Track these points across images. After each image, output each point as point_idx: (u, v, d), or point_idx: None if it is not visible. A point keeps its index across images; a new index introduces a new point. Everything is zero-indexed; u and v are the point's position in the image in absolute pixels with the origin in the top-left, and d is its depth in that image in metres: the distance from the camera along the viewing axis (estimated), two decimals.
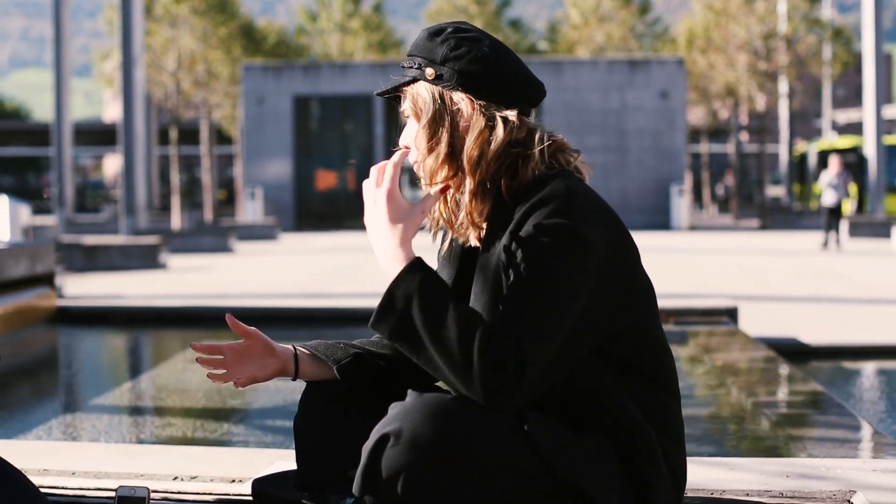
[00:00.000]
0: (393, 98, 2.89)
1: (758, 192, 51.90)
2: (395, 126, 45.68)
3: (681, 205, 39.37)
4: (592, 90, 41.74)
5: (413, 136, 2.81)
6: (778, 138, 66.16)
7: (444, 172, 2.74)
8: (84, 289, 14.94)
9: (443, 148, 2.73)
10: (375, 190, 2.73)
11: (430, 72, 2.74)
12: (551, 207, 2.59)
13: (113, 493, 3.36)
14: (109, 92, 56.57)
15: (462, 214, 2.78)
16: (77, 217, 39.45)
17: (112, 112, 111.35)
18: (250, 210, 40.89)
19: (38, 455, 3.97)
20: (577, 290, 2.55)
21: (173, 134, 44.59)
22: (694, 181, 60.47)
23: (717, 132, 61.90)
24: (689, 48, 46.51)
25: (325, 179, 44.17)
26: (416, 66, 2.78)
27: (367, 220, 2.74)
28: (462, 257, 2.90)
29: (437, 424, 2.47)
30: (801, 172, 55.25)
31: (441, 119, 2.74)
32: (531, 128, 2.76)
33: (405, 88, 2.81)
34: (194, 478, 3.70)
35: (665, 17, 65.00)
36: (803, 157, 55.26)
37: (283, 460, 3.78)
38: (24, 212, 24.89)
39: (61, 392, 7.40)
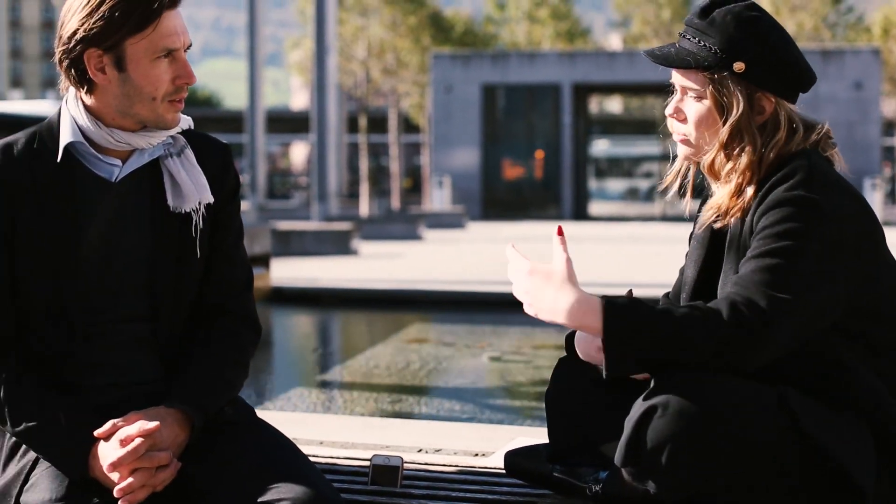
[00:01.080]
0: (660, 63, 2.90)
1: None
2: (581, 116, 45.63)
3: (874, 199, 38.46)
4: None
5: (699, 116, 2.83)
6: None
7: (746, 174, 2.77)
8: (280, 272, 15.29)
9: (751, 151, 2.76)
10: (519, 278, 2.76)
11: (739, 66, 2.76)
12: (793, 181, 2.67)
13: (364, 462, 3.51)
14: (297, 80, 57.60)
15: (737, 206, 2.80)
16: (268, 203, 40.27)
17: (299, 100, 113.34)
18: (437, 198, 41.23)
19: (285, 425, 4.13)
20: (816, 258, 2.61)
21: (362, 122, 45.27)
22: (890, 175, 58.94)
23: None
24: (884, 37, 45.35)
25: (512, 169, 44.30)
26: (716, 51, 2.77)
27: (534, 306, 2.74)
28: (711, 236, 2.94)
29: (703, 396, 2.54)
30: None
31: (749, 120, 2.78)
32: (812, 123, 2.82)
33: (699, 71, 2.81)
34: (438, 450, 3.83)
35: (859, 5, 63.34)
36: None
37: (524, 436, 3.87)
38: None
39: (289, 367, 7.63)
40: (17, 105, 41.66)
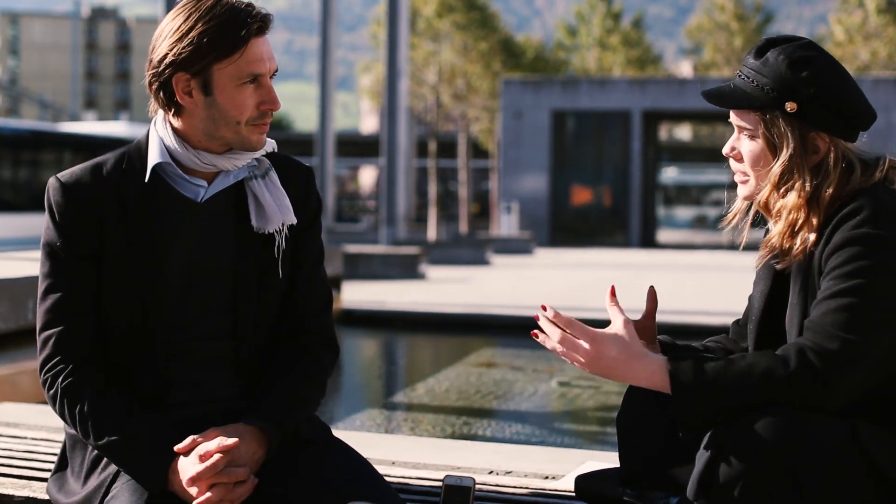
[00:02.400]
0: (715, 104, 2.94)
1: None
2: (651, 143, 45.49)
3: None
4: None
5: (752, 154, 2.87)
6: None
7: (800, 213, 2.79)
8: (349, 295, 15.37)
9: (804, 190, 2.78)
10: (581, 347, 2.75)
11: (791, 106, 2.78)
12: (859, 218, 2.68)
13: (436, 483, 3.55)
14: (367, 104, 57.90)
15: (799, 247, 2.81)
16: (336, 226, 40.47)
17: (369, 124, 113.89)
18: (505, 223, 41.24)
19: (357, 445, 4.17)
20: (888, 295, 2.62)
21: (432, 146, 45.38)
22: None
23: None
24: None
25: (581, 195, 44.23)
26: (769, 89, 2.80)
27: (602, 370, 2.74)
28: (776, 270, 2.95)
29: (775, 435, 2.55)
30: None
31: (801, 159, 2.79)
32: (875, 158, 2.82)
33: (752, 111, 2.85)
34: (509, 472, 3.85)
35: None
36: None
37: (594, 460, 3.88)
38: None
39: (358, 389, 7.69)
40: (92, 126, 42.26)
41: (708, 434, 2.63)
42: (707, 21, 57.63)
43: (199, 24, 2.72)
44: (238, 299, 2.86)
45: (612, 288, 2.85)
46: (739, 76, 2.88)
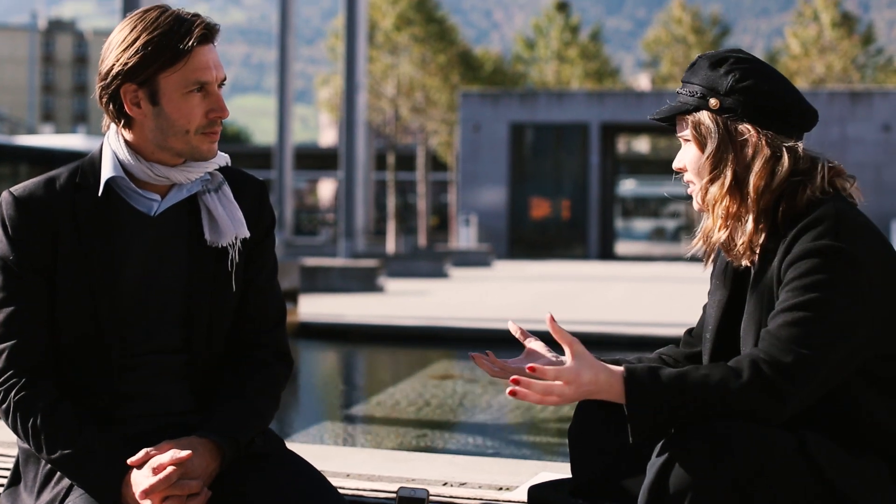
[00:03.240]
0: (666, 122, 3.00)
1: None
2: (609, 155, 45.66)
3: None
4: None
5: (691, 160, 2.92)
6: None
7: (725, 202, 2.83)
8: (307, 308, 15.36)
9: (728, 178, 2.82)
10: (557, 388, 2.68)
11: (714, 102, 2.83)
12: (820, 229, 2.69)
13: (390, 495, 3.57)
14: (326, 117, 57.87)
15: (740, 241, 2.86)
16: (295, 240, 40.35)
17: (328, 137, 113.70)
18: (464, 236, 41.28)
19: (312, 458, 4.18)
20: (846, 309, 2.64)
21: (390, 159, 45.39)
22: None
23: None
24: None
25: (539, 207, 44.33)
26: (696, 94, 2.87)
27: (583, 396, 2.69)
28: (735, 278, 2.98)
29: (725, 444, 2.56)
30: None
31: (726, 149, 2.83)
32: (814, 157, 2.84)
33: (685, 116, 2.91)
34: (463, 484, 3.87)
35: (889, 47, 63.29)
36: None
37: (547, 471, 3.91)
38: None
39: (315, 402, 7.69)
40: (49, 139, 42.00)
41: (659, 444, 2.65)
42: (664, 34, 57.96)
43: (144, 35, 2.73)
44: (191, 314, 2.87)
45: (551, 317, 2.81)
46: (678, 92, 2.94)
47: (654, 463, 2.62)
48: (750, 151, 2.81)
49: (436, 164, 62.48)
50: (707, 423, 2.60)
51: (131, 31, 2.76)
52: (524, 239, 43.66)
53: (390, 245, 42.19)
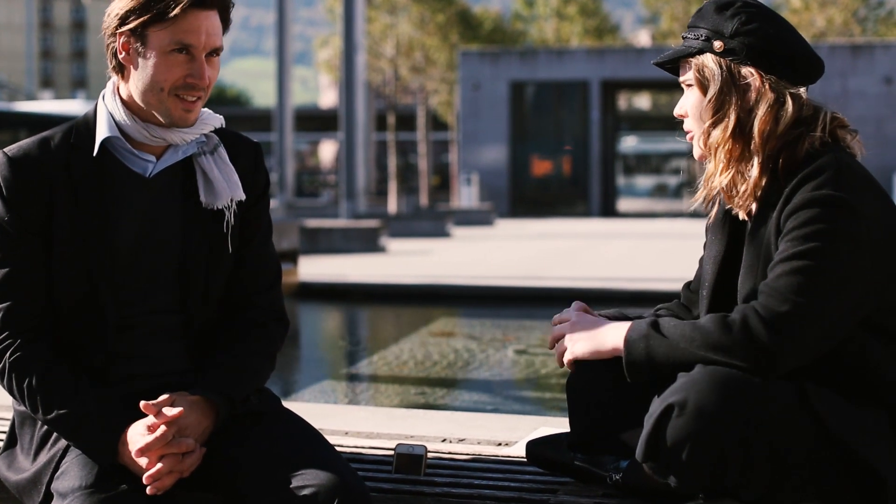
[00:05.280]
0: (669, 67, 2.97)
1: None
2: (610, 111, 45.55)
3: None
4: None
5: (693, 105, 2.88)
6: None
7: (728, 145, 2.80)
8: (309, 269, 15.36)
9: (731, 122, 2.79)
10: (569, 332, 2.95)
11: (718, 45, 2.80)
12: (820, 179, 2.66)
13: (388, 452, 3.56)
14: (326, 78, 57.74)
15: (743, 187, 2.83)
16: (297, 201, 40.34)
17: (328, 98, 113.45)
18: (466, 195, 41.24)
19: (312, 417, 4.18)
20: (846, 259, 2.62)
21: (390, 119, 45.30)
22: None
23: None
24: None
25: (540, 165, 44.28)
26: (701, 37, 2.83)
27: (583, 344, 2.91)
28: (732, 231, 2.95)
29: (722, 395, 2.56)
30: None
31: (729, 91, 2.79)
32: (817, 106, 2.81)
33: (689, 59, 2.88)
34: (462, 440, 3.87)
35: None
36: None
37: (547, 426, 3.90)
38: None
39: (317, 361, 7.71)
40: (48, 105, 41.93)
41: (656, 396, 2.65)
42: None
43: None
44: (186, 274, 2.87)
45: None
46: (683, 37, 2.90)
47: (652, 414, 2.62)
48: (753, 95, 2.78)
49: (436, 123, 62.37)
50: (704, 370, 2.60)
51: None
52: (526, 197, 43.62)
53: (392, 205, 42.17)
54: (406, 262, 18.19)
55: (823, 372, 2.70)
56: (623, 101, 64.10)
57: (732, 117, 2.79)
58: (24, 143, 2.84)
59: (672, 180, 70.14)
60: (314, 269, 15.07)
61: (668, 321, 2.72)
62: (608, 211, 44.80)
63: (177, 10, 2.73)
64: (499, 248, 22.15)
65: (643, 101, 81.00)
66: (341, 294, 10.42)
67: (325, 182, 73.99)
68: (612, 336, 2.81)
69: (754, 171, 2.78)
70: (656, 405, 2.62)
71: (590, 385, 3.11)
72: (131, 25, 2.75)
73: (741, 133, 2.79)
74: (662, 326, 2.71)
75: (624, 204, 54.76)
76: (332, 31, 51.73)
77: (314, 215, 34.85)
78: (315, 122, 76.59)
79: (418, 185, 54.63)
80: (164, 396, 2.69)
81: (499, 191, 42.95)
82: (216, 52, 2.84)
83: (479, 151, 43.19)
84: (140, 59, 2.78)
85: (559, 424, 3.97)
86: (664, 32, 57.01)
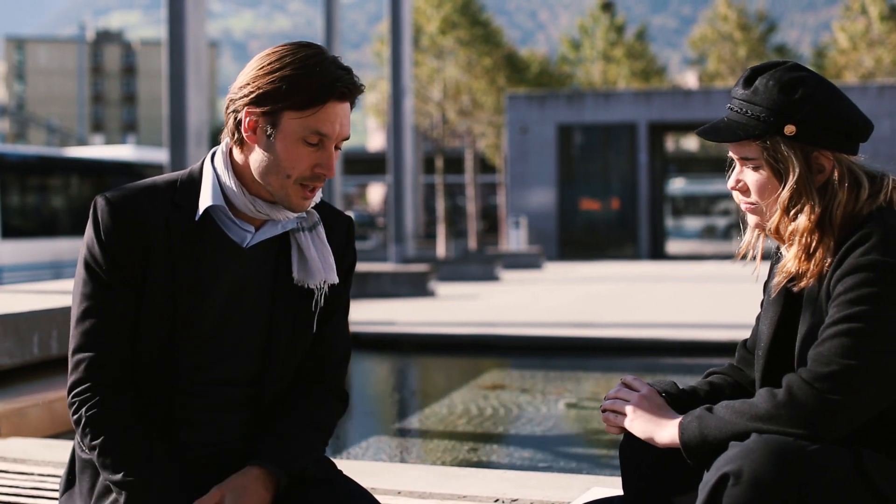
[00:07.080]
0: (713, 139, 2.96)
1: None
2: (658, 154, 45.47)
3: None
4: None
5: (758, 185, 2.87)
6: None
7: (813, 235, 2.79)
8: (358, 315, 15.39)
9: (817, 212, 2.78)
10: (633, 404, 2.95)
11: (790, 129, 2.79)
12: (868, 245, 2.67)
13: None
14: (373, 121, 57.91)
15: (812, 266, 2.81)
16: None
17: (376, 141, 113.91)
18: (514, 238, 41.20)
19: (364, 475, 4.19)
20: (892, 321, 2.61)
21: (438, 162, 45.37)
22: None
23: None
24: None
25: (589, 208, 44.20)
26: (762, 116, 2.81)
27: (640, 425, 2.92)
28: (787, 294, 2.94)
29: (777, 464, 2.54)
30: None
31: (808, 180, 2.80)
32: (880, 174, 2.82)
33: (752, 141, 2.85)
34: (515, 501, 3.86)
35: None
36: None
37: (599, 486, 3.89)
38: None
39: (367, 415, 7.70)
40: (99, 150, 42.31)
41: (712, 465, 2.63)
42: (710, 31, 57.54)
43: (288, 69, 2.69)
44: (269, 350, 2.86)
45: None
46: (731, 109, 2.88)
47: (707, 482, 2.61)
48: (830, 181, 2.79)
49: (484, 166, 62.42)
50: (759, 439, 2.58)
51: (279, 59, 2.72)
52: (574, 240, 43.53)
53: (440, 249, 42.19)
54: (455, 306, 18.17)
55: (878, 436, 2.68)
56: (671, 143, 64.00)
57: (817, 208, 2.78)
58: (126, 191, 2.80)
59: (721, 222, 69.92)
60: (363, 314, 15.07)
61: (721, 404, 2.72)
62: (657, 253, 44.64)
63: (321, 106, 2.71)
64: (548, 292, 22.09)
65: (691, 143, 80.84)
66: (390, 344, 10.41)
67: (374, 225, 74.15)
68: (669, 432, 2.82)
69: (823, 251, 2.77)
70: (711, 473, 2.61)
71: (642, 449, 3.10)
72: (266, 108, 2.71)
73: (826, 221, 2.78)
74: (714, 407, 2.72)
75: (673, 246, 54.59)
76: (378, 74, 51.97)
77: (363, 259, 34.76)
78: (363, 164, 76.85)
79: (466, 228, 54.63)
80: (214, 490, 2.69)
81: (547, 234, 42.90)
82: (343, 140, 2.80)
83: (527, 194, 43.18)
84: (266, 139, 2.74)
85: (612, 484, 3.96)
86: (711, 74, 56.92)
